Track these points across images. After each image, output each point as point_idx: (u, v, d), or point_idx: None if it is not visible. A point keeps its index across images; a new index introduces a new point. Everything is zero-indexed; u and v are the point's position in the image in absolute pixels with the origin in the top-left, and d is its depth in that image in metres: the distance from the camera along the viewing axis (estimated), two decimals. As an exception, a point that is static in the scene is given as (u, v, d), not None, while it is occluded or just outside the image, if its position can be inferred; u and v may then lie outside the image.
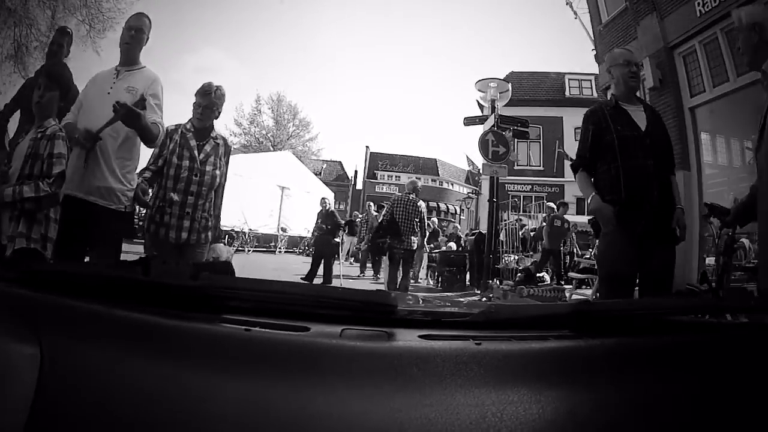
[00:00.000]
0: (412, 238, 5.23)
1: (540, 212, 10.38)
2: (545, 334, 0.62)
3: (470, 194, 19.98)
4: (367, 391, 0.46)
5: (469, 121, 7.22)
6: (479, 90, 6.76)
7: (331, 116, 55.85)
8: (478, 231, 8.64)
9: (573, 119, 16.48)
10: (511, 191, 16.02)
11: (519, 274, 6.92)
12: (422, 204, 5.46)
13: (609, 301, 0.69)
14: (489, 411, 0.45)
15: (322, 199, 7.51)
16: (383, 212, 5.84)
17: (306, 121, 26.89)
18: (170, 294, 0.62)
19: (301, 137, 26.71)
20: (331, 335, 0.56)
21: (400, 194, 5.77)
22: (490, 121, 6.40)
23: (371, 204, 10.10)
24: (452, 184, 30.65)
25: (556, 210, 8.26)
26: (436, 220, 11.59)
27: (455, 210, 26.82)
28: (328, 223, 6.92)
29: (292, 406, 0.44)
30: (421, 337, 0.58)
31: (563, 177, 16.48)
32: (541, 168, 16.88)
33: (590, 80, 17.83)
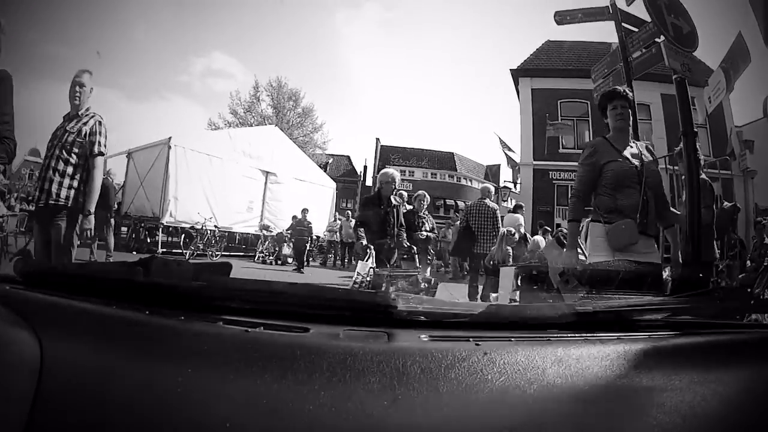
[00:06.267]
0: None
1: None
2: (546, 335, 0.66)
3: (505, 185, 18.59)
4: (368, 392, 0.49)
5: (568, 16, 4.22)
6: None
7: (339, 109, 55.72)
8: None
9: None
10: (557, 180, 15.02)
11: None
12: (496, 207, 5.72)
13: (609, 302, 0.71)
14: (489, 412, 0.48)
15: None
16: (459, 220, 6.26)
17: (309, 109, 25.72)
18: (170, 294, 0.66)
19: (304, 127, 25.44)
20: (331, 336, 0.60)
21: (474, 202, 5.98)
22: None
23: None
24: (471, 181, 30.32)
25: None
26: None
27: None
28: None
29: (293, 407, 0.47)
30: (421, 338, 0.62)
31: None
32: (592, 151, 15.27)
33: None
